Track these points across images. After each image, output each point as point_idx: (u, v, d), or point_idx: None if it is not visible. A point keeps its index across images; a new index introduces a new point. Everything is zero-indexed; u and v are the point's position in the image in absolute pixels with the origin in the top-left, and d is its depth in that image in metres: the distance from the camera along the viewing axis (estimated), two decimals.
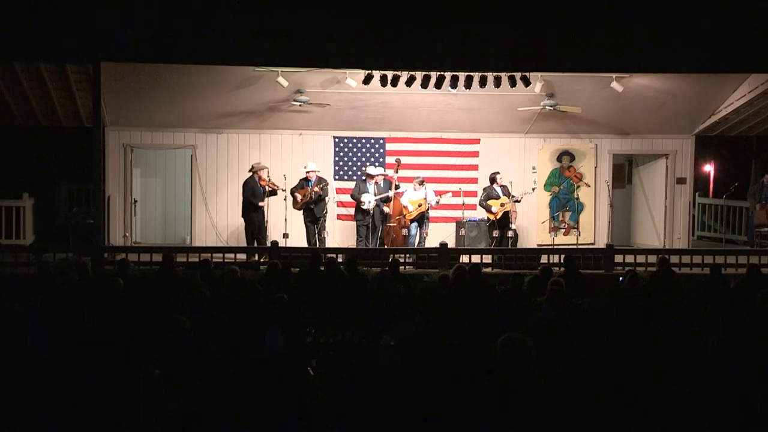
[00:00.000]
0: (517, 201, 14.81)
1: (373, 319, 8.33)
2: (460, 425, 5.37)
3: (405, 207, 14.57)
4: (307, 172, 14.35)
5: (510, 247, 14.47)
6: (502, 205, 14.44)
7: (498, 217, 14.39)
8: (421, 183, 14.64)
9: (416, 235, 14.64)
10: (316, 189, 14.21)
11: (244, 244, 14.53)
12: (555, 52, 13.00)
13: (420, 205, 14.50)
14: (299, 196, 14.27)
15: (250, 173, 14.40)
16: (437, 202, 14.61)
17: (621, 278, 11.87)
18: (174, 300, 8.64)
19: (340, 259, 12.35)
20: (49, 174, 18.07)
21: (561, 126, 15.55)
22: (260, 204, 14.25)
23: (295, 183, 14.43)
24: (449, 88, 13.60)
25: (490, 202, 14.48)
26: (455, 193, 14.83)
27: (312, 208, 14.32)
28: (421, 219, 14.61)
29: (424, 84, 13.37)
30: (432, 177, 15.24)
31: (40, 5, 12.63)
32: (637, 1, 13.10)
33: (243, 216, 14.47)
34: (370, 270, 12.05)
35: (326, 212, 14.62)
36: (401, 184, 14.81)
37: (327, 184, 14.54)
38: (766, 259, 13.54)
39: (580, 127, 15.68)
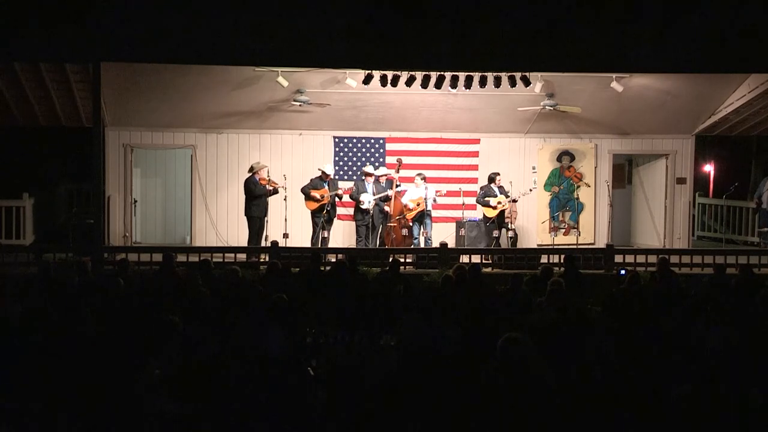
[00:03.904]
0: (515, 200, 14.83)
1: (373, 319, 8.32)
2: (460, 425, 5.36)
3: (405, 205, 14.57)
4: (326, 174, 14.34)
5: (510, 247, 14.48)
6: (499, 203, 14.46)
7: (495, 215, 14.42)
8: (423, 179, 14.65)
9: (418, 234, 14.65)
10: (339, 192, 14.29)
11: (244, 244, 14.53)
12: (555, 52, 12.99)
13: (419, 204, 14.51)
14: (318, 195, 14.23)
15: (250, 173, 14.38)
16: (434, 200, 14.62)
17: (623, 271, 11.86)
18: (174, 300, 8.64)
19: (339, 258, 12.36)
20: (49, 174, 18.06)
21: (561, 126, 15.55)
22: (267, 190, 14.16)
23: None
24: (449, 88, 13.60)
25: (487, 198, 14.51)
26: (451, 193, 14.84)
27: (328, 210, 14.31)
28: (421, 218, 14.61)
29: (424, 84, 13.38)
30: (432, 177, 15.24)
31: (41, 5, 12.61)
32: (637, 1, 13.11)
33: (246, 213, 14.43)
34: (370, 270, 12.06)
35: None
36: (402, 184, 14.82)
37: (344, 192, 14.55)
38: (765, 260, 13.57)
39: (580, 127, 15.69)
